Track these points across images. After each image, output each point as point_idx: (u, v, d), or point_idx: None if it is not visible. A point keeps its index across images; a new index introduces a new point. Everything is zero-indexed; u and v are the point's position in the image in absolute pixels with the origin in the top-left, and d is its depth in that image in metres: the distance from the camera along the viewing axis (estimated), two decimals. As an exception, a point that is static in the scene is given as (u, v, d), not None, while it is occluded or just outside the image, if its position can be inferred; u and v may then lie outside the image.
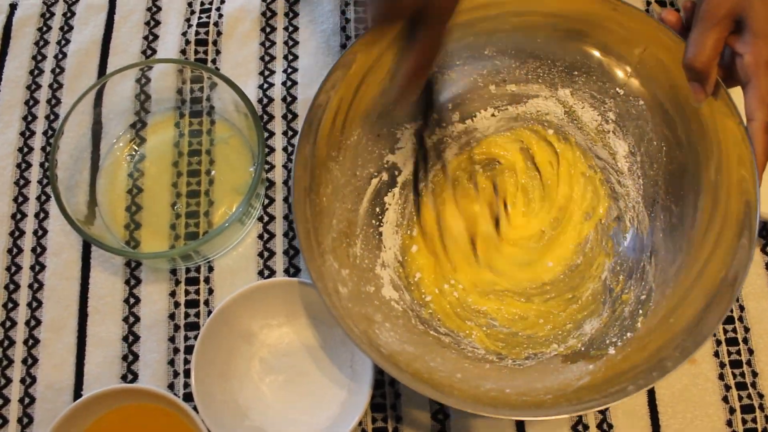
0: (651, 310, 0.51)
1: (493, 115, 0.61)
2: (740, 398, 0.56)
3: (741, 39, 0.47)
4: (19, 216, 0.61)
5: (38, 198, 0.62)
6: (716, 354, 0.58)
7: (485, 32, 0.58)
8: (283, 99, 0.65)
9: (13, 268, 0.59)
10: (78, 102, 0.57)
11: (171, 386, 0.56)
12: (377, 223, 0.57)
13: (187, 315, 0.58)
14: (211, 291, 0.59)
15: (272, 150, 0.63)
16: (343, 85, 0.54)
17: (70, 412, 0.50)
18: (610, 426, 0.56)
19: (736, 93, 0.49)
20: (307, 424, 0.54)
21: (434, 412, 0.56)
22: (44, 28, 0.68)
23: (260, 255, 0.60)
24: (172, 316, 0.58)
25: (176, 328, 0.58)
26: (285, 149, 0.63)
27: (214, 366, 0.53)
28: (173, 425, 0.52)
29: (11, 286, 0.59)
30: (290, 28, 0.68)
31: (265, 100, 0.65)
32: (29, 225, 0.61)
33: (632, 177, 0.58)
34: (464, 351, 0.53)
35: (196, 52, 0.66)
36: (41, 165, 0.63)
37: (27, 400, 0.56)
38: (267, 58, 0.67)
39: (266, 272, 0.60)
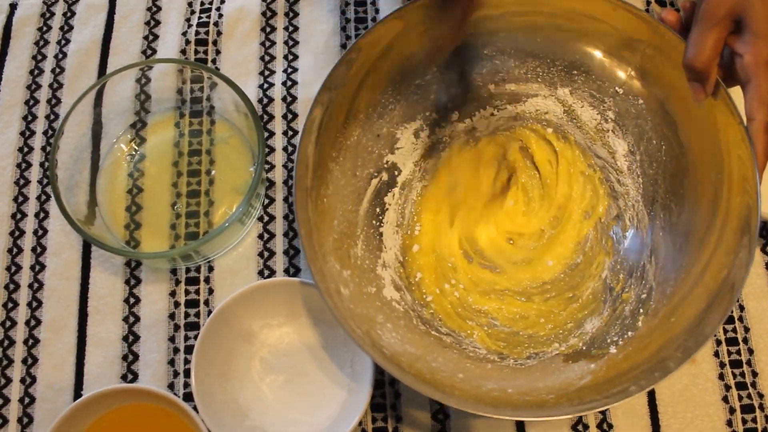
0: (652, 309, 0.51)
1: (492, 114, 0.61)
2: (740, 398, 0.56)
3: (741, 39, 0.47)
4: (19, 216, 0.61)
5: (38, 198, 0.62)
6: (716, 354, 0.58)
7: (485, 32, 0.58)
8: (283, 99, 0.65)
9: (13, 268, 0.59)
10: (78, 102, 0.57)
11: (171, 386, 0.56)
12: (377, 223, 0.57)
13: (187, 315, 0.58)
14: (211, 291, 0.59)
15: (272, 150, 0.63)
16: (343, 84, 0.54)
17: (70, 412, 0.50)
18: (610, 426, 0.56)
19: (736, 93, 0.49)
20: (307, 424, 0.54)
21: (434, 412, 0.56)
22: (44, 28, 0.68)
23: (260, 255, 0.60)
24: (172, 316, 0.58)
25: (176, 327, 0.58)
26: (285, 149, 0.63)
27: (214, 366, 0.53)
28: (173, 425, 0.52)
29: (11, 286, 0.59)
30: (290, 28, 0.68)
31: (266, 100, 0.65)
32: (29, 225, 0.61)
33: (632, 176, 0.58)
34: (466, 351, 0.53)
35: (196, 51, 0.66)
36: (41, 165, 0.63)
37: (27, 400, 0.56)
38: (267, 58, 0.67)
39: (266, 272, 0.60)
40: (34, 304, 0.58)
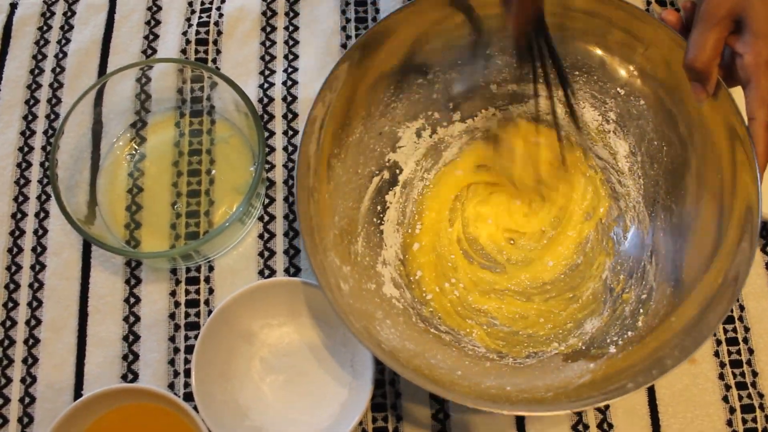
0: (652, 309, 0.51)
1: (494, 114, 0.61)
2: (740, 398, 0.56)
3: (741, 39, 0.47)
4: (19, 215, 0.61)
5: (38, 197, 0.61)
6: (716, 354, 0.58)
7: (487, 32, 0.58)
8: (284, 98, 0.65)
9: (14, 268, 0.59)
10: (78, 101, 0.57)
11: (171, 386, 0.56)
12: (378, 221, 0.57)
13: (187, 315, 0.58)
14: (211, 291, 0.59)
15: (272, 149, 0.63)
16: (344, 83, 0.54)
17: (71, 412, 0.50)
18: (611, 426, 0.56)
19: (737, 93, 0.49)
20: (307, 424, 0.54)
21: (435, 411, 0.56)
22: (44, 28, 0.68)
23: (261, 254, 0.60)
24: (172, 316, 0.58)
25: (176, 327, 0.58)
26: (285, 149, 0.63)
27: (214, 366, 0.53)
28: (173, 425, 0.52)
29: (11, 286, 0.59)
30: (290, 28, 0.68)
31: (266, 100, 0.65)
32: (29, 224, 0.61)
33: (633, 177, 0.58)
34: (465, 349, 0.53)
35: (197, 51, 0.66)
36: (41, 164, 0.63)
37: (27, 400, 0.56)
38: (267, 58, 0.67)
39: (267, 272, 0.60)
40: (35, 303, 0.58)
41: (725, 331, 0.58)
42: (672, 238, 0.53)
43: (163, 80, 0.62)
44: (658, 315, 0.50)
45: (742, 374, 0.57)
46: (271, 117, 0.64)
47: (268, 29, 0.68)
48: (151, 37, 0.68)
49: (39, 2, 0.69)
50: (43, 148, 0.63)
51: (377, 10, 0.69)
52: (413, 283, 0.56)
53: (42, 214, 0.61)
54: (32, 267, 0.59)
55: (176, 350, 0.57)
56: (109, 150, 0.61)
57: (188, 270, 0.59)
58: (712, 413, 0.56)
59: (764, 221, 0.59)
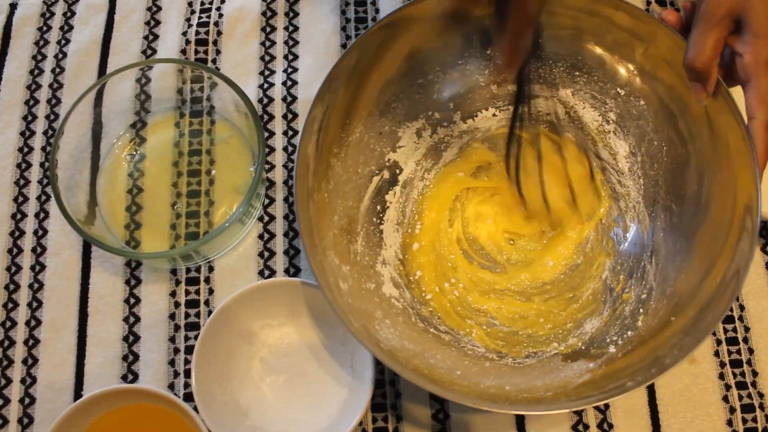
0: (652, 309, 0.51)
1: (494, 114, 0.61)
2: (740, 398, 0.56)
3: (741, 39, 0.47)
4: (19, 216, 0.61)
5: (38, 198, 0.61)
6: (716, 353, 0.58)
7: (486, 31, 0.58)
8: (284, 99, 0.65)
9: (14, 268, 0.59)
10: (78, 102, 0.57)
11: (171, 386, 0.56)
12: (378, 220, 0.57)
13: (187, 315, 0.58)
14: (211, 291, 0.59)
15: (272, 150, 0.63)
16: (344, 83, 0.54)
17: (71, 413, 0.50)
18: (611, 426, 0.56)
19: (737, 92, 0.49)
20: (307, 424, 0.54)
21: (435, 411, 0.56)
22: (44, 28, 0.68)
23: (260, 255, 0.60)
24: (172, 316, 0.58)
25: (176, 328, 0.58)
26: (285, 149, 0.63)
27: (214, 366, 0.53)
28: (173, 425, 0.52)
29: (11, 286, 0.59)
30: (290, 28, 0.68)
31: (266, 100, 0.65)
32: (29, 225, 0.61)
33: (633, 177, 0.58)
34: (464, 349, 0.53)
35: (197, 51, 0.66)
36: (41, 165, 0.63)
37: (27, 401, 0.56)
38: (267, 58, 0.67)
39: (266, 272, 0.60)
40: (35, 304, 0.58)
41: (725, 330, 0.58)
42: (672, 238, 0.53)
43: (162, 80, 0.62)
44: (658, 315, 0.50)
45: (742, 374, 0.57)
46: (271, 117, 0.64)
47: (268, 29, 0.68)
48: (150, 37, 0.68)
49: (39, 2, 0.69)
50: (43, 149, 0.63)
51: (377, 10, 0.69)
52: (413, 282, 0.56)
53: (42, 215, 0.61)
54: (32, 267, 0.59)
55: (176, 351, 0.57)
56: (109, 150, 0.61)
57: (188, 270, 0.59)
58: (712, 413, 0.56)
59: (764, 221, 0.59)
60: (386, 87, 0.57)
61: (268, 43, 0.67)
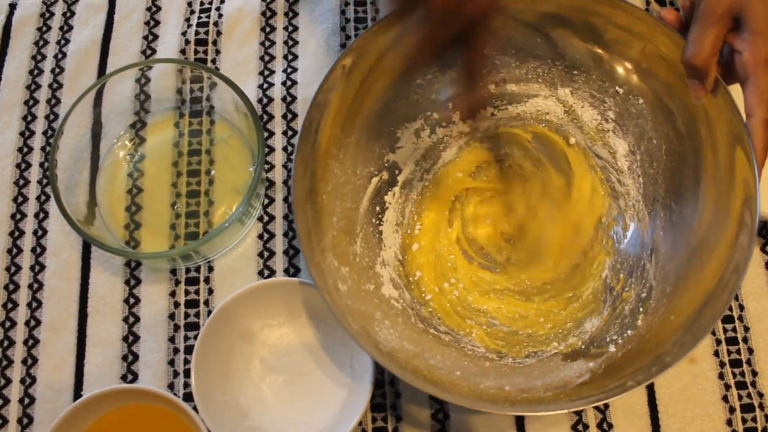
0: (651, 308, 0.51)
1: (493, 114, 0.61)
2: (740, 397, 0.56)
3: (740, 36, 0.47)
4: (18, 216, 0.61)
5: (38, 198, 0.61)
6: (716, 353, 0.58)
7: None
8: (283, 99, 0.65)
9: (13, 269, 0.59)
10: (78, 102, 0.57)
11: (171, 386, 0.56)
12: (377, 221, 0.57)
13: (187, 315, 0.58)
14: (211, 291, 0.59)
15: (272, 150, 0.63)
16: (343, 83, 0.54)
17: (70, 413, 0.50)
18: (610, 425, 0.56)
19: (735, 90, 0.49)
20: (307, 424, 0.54)
21: (434, 411, 0.56)
22: (44, 28, 0.68)
23: (260, 255, 0.60)
24: (172, 316, 0.58)
25: (176, 328, 0.58)
26: (285, 149, 0.63)
27: (214, 366, 0.53)
28: (173, 425, 0.52)
29: (11, 287, 0.59)
30: (290, 28, 0.68)
31: (265, 100, 0.65)
32: (29, 225, 0.61)
33: (632, 176, 0.58)
34: (464, 349, 0.53)
35: (196, 51, 0.66)
36: (41, 165, 0.63)
37: (27, 401, 0.56)
38: (267, 58, 0.67)
39: (266, 272, 0.60)
40: (34, 304, 0.58)
41: (725, 330, 0.58)
42: (671, 237, 0.53)
43: (162, 81, 0.62)
44: (658, 313, 0.50)
45: (742, 374, 0.57)
46: (271, 117, 0.64)
47: (268, 29, 0.68)
48: (150, 37, 0.68)
49: (38, 3, 0.69)
50: (43, 149, 0.63)
51: (377, 10, 0.69)
52: (412, 283, 0.56)
53: (41, 215, 0.61)
54: (32, 268, 0.59)
55: (176, 350, 0.57)
56: (108, 150, 0.61)
57: (188, 270, 0.59)
58: (711, 413, 0.56)
59: (764, 220, 0.59)
60: (384, 88, 0.57)
61: (267, 43, 0.67)
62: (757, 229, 0.50)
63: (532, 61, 0.59)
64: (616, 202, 0.58)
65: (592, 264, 0.57)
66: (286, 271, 0.60)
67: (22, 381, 0.56)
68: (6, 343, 0.57)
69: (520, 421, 0.56)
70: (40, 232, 0.60)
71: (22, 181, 0.62)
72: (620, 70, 0.57)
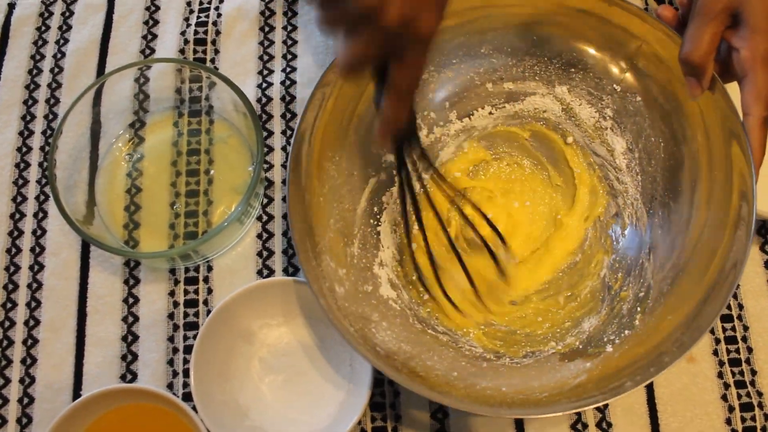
0: (649, 307, 0.51)
1: (490, 113, 0.61)
2: (739, 396, 0.56)
3: (737, 33, 0.47)
4: (17, 216, 0.61)
5: (37, 198, 0.62)
6: (715, 352, 0.58)
7: (480, 31, 0.58)
8: (282, 98, 0.65)
9: (12, 268, 0.59)
10: (77, 101, 0.57)
11: (170, 386, 0.56)
12: (375, 222, 0.57)
13: (186, 315, 0.58)
14: (210, 290, 0.59)
15: (271, 149, 0.63)
16: (339, 84, 0.54)
17: (69, 412, 0.50)
18: (609, 425, 0.56)
19: (733, 88, 0.49)
20: (306, 424, 0.54)
21: (433, 411, 0.56)
22: (43, 28, 0.68)
23: (259, 254, 0.60)
24: (171, 316, 0.58)
25: (175, 327, 0.58)
26: (284, 148, 0.63)
27: (213, 366, 0.53)
28: (172, 425, 0.52)
29: (10, 286, 0.59)
30: (289, 28, 0.68)
31: (264, 100, 0.65)
32: (28, 225, 0.61)
33: (630, 174, 0.58)
34: (462, 350, 0.53)
35: (195, 51, 0.66)
36: (40, 165, 0.63)
37: (26, 400, 0.56)
38: (266, 58, 0.67)
39: (265, 272, 0.60)
40: (33, 304, 0.58)
41: (724, 329, 0.58)
42: (670, 235, 0.53)
43: (161, 80, 0.62)
44: (655, 313, 0.50)
45: (741, 373, 0.57)
46: (270, 117, 0.64)
47: (267, 29, 0.68)
48: (149, 37, 0.68)
49: (37, 2, 0.69)
50: (42, 149, 0.63)
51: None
52: (411, 283, 0.56)
53: (41, 215, 0.61)
54: (31, 267, 0.59)
55: (175, 350, 0.57)
56: (107, 150, 0.61)
57: (187, 270, 0.59)
58: (711, 412, 0.56)
59: (763, 220, 0.59)
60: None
61: (266, 43, 0.67)
62: (756, 228, 0.50)
63: (528, 59, 0.59)
64: (615, 201, 0.58)
65: (590, 263, 0.57)
66: (285, 271, 0.60)
67: (21, 381, 0.56)
68: (5, 342, 0.57)
69: (519, 420, 0.56)
70: (39, 232, 0.60)
71: (21, 181, 0.62)
72: (617, 68, 0.57)
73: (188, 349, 0.57)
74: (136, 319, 0.58)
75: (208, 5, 0.69)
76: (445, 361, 0.50)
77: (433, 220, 0.59)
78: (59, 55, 0.66)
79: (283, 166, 0.63)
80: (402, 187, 0.50)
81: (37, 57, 0.66)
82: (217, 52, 0.67)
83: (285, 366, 0.56)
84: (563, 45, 0.58)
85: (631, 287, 0.54)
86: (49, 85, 0.65)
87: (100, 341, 0.57)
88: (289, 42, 0.67)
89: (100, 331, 0.57)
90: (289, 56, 0.67)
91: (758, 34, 0.46)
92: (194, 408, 0.50)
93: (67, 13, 0.68)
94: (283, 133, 0.64)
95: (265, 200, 0.62)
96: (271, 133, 0.64)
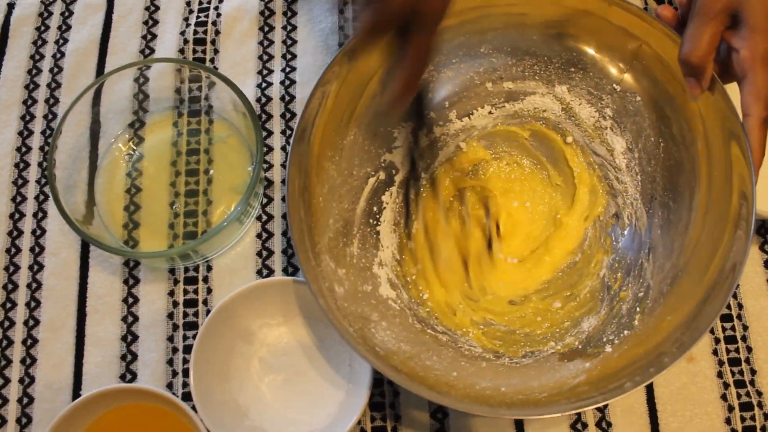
0: (648, 308, 0.51)
1: (490, 112, 0.61)
2: (739, 396, 0.56)
3: (737, 34, 0.47)
4: (17, 215, 0.61)
5: (36, 197, 0.62)
6: (715, 352, 0.58)
7: (479, 30, 0.58)
8: (282, 98, 0.65)
9: (12, 268, 0.59)
10: (76, 101, 0.57)
11: (170, 386, 0.56)
12: (375, 222, 0.57)
13: (185, 314, 0.58)
14: (209, 290, 0.59)
15: (271, 149, 0.63)
16: (339, 83, 0.54)
17: (69, 412, 0.50)
18: (609, 424, 0.56)
19: (733, 88, 0.49)
20: (306, 424, 0.54)
21: (433, 410, 0.56)
22: (42, 28, 0.68)
23: (259, 254, 0.60)
24: (170, 316, 0.58)
25: (175, 327, 0.58)
26: (283, 148, 0.63)
27: (212, 365, 0.53)
28: (172, 425, 0.52)
29: (10, 286, 0.59)
30: (288, 27, 0.68)
31: (264, 99, 0.65)
32: (27, 224, 0.61)
33: (630, 173, 0.58)
34: (461, 349, 0.53)
35: (195, 51, 0.66)
36: (39, 164, 0.63)
37: (26, 400, 0.56)
38: (265, 57, 0.67)
39: (265, 271, 0.60)
40: (33, 304, 0.58)
41: (723, 329, 0.58)
42: (669, 235, 0.53)
43: (161, 80, 0.62)
44: (655, 313, 0.50)
45: (741, 372, 0.57)
46: (269, 116, 0.64)
47: (266, 29, 0.68)
48: (149, 36, 0.68)
49: (36, 2, 0.69)
50: (41, 149, 0.63)
51: (375, 9, 0.69)
52: (410, 283, 0.56)
53: (40, 215, 0.61)
54: (30, 267, 0.59)
55: (174, 350, 0.57)
56: (107, 150, 0.61)
57: (186, 270, 0.59)
58: (710, 411, 0.56)
59: (762, 219, 0.59)
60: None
61: (266, 43, 0.67)
62: (756, 228, 0.50)
63: (528, 58, 0.59)
64: (614, 200, 0.58)
65: (590, 262, 0.57)
66: (285, 271, 0.60)
67: (21, 381, 0.56)
68: (5, 342, 0.57)
69: (519, 420, 0.56)
70: (38, 232, 0.60)
71: (20, 181, 0.62)
72: (617, 68, 0.57)
73: (188, 349, 0.57)
74: (136, 318, 0.58)
75: (208, 5, 0.68)
76: (445, 360, 0.50)
77: (433, 219, 0.59)
78: (59, 55, 0.66)
79: (283, 165, 0.63)
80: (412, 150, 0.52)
81: (37, 57, 0.66)
82: (216, 51, 0.67)
83: (285, 366, 0.56)
84: (563, 44, 0.58)
85: (630, 287, 0.54)
86: (48, 85, 0.65)
87: (99, 341, 0.57)
88: (289, 42, 0.67)
89: (100, 330, 0.57)
90: (288, 56, 0.67)
91: (758, 34, 0.46)
92: (194, 408, 0.50)
93: (67, 13, 0.68)
94: (283, 132, 0.64)
95: (265, 200, 0.62)
96: (270, 133, 0.64)
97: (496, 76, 0.60)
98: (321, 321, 0.57)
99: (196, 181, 0.61)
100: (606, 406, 0.56)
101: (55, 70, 0.66)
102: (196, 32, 0.67)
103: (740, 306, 0.59)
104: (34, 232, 0.60)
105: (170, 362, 0.57)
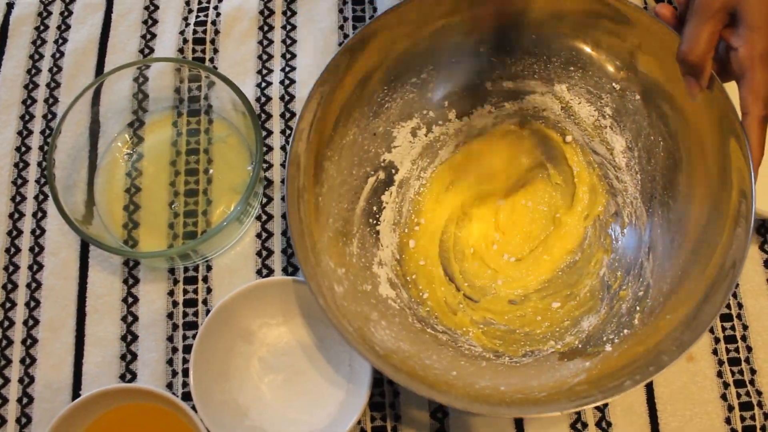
0: (648, 307, 0.51)
1: (489, 111, 0.61)
2: (738, 395, 0.56)
3: (736, 32, 0.46)
4: (16, 215, 0.61)
5: (36, 197, 0.61)
6: (714, 351, 0.58)
7: (479, 29, 0.58)
8: (281, 98, 0.65)
9: (11, 268, 0.59)
10: (75, 101, 0.57)
11: (170, 386, 0.56)
12: (374, 221, 0.57)
13: (185, 314, 0.58)
14: (209, 290, 0.59)
15: (270, 149, 0.63)
16: (338, 83, 0.54)
17: (69, 412, 0.50)
18: (609, 424, 0.56)
19: (732, 87, 0.49)
20: (306, 424, 0.54)
21: (433, 410, 0.56)
22: (41, 27, 0.68)
23: (258, 254, 0.60)
24: (170, 316, 0.58)
25: (174, 327, 0.58)
26: (283, 148, 0.63)
27: (212, 365, 0.53)
28: (172, 425, 0.52)
29: (9, 286, 0.59)
30: (288, 27, 0.68)
31: (263, 99, 0.65)
32: (27, 224, 0.61)
33: (630, 172, 0.58)
34: (461, 349, 0.53)
35: (194, 50, 0.66)
36: (39, 164, 0.63)
37: (25, 400, 0.56)
38: (265, 57, 0.67)
39: (264, 271, 0.59)
40: (32, 303, 0.58)
41: (723, 328, 0.58)
42: (669, 234, 0.53)
43: (160, 79, 0.62)
44: (654, 312, 0.50)
45: (741, 372, 0.57)
46: (269, 116, 0.64)
47: (266, 28, 0.68)
48: (148, 36, 0.67)
49: (36, 2, 0.69)
50: (41, 148, 0.63)
51: (375, 9, 0.69)
52: (410, 282, 0.56)
53: (39, 214, 0.61)
54: (30, 267, 0.59)
55: (174, 350, 0.57)
56: (106, 149, 0.61)
57: (186, 270, 0.59)
58: (710, 411, 0.56)
59: (762, 219, 0.59)
60: (379, 87, 0.57)
61: (265, 42, 0.67)
62: (756, 227, 0.50)
63: (527, 58, 0.59)
64: (614, 199, 0.58)
65: (589, 261, 0.57)
66: (285, 270, 0.60)
67: (21, 380, 0.56)
68: (4, 342, 0.57)
69: (519, 419, 0.56)
70: (38, 232, 0.60)
71: (20, 181, 0.62)
72: (615, 66, 0.57)
73: (187, 349, 0.57)
74: (136, 318, 0.58)
75: (207, 4, 0.68)
76: (444, 360, 0.50)
77: (432, 219, 0.59)
78: (58, 55, 0.66)
79: (283, 165, 0.63)
80: None
81: (36, 56, 0.66)
82: (216, 51, 0.67)
83: (285, 365, 0.56)
84: (562, 43, 0.58)
85: (630, 286, 0.54)
86: (47, 85, 0.65)
87: (99, 341, 0.57)
88: (288, 41, 0.67)
89: (100, 330, 0.57)
90: (288, 55, 0.67)
91: (756, 32, 0.45)
92: (194, 408, 0.50)
93: (66, 13, 0.68)
94: (283, 132, 0.64)
95: (265, 199, 0.62)
96: (270, 133, 0.64)
97: (495, 75, 0.60)
98: (321, 321, 0.56)
99: (195, 180, 0.61)
100: (606, 405, 0.56)
101: (55, 69, 0.66)
102: (195, 32, 0.67)
103: (740, 305, 0.59)
104: (33, 231, 0.60)
105: (170, 362, 0.57)
